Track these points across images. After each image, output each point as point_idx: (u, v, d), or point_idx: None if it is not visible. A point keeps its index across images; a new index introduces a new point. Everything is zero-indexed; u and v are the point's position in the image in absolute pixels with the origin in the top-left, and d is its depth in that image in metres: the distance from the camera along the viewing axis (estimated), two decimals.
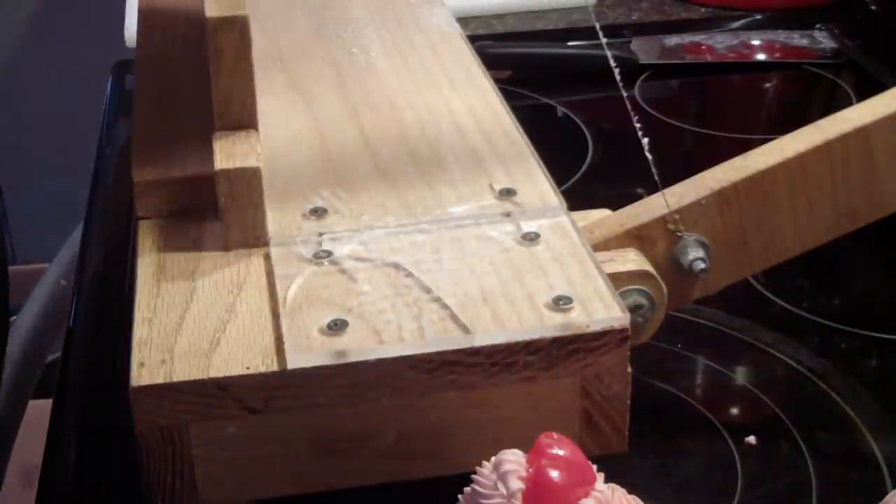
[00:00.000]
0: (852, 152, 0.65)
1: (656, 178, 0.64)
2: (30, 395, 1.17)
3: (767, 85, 1.14)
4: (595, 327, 0.56)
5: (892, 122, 0.66)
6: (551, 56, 1.13)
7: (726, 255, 0.65)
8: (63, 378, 0.72)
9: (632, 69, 1.10)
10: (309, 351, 0.54)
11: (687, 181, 0.66)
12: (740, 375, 0.74)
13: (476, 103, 0.76)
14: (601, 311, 0.57)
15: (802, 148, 0.65)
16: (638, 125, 0.63)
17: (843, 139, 0.65)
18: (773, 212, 0.65)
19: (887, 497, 0.55)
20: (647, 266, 0.62)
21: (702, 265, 0.64)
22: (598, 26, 0.70)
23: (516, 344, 0.55)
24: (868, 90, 0.76)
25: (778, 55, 1.14)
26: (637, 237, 0.64)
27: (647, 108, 1.06)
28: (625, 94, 0.66)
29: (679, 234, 0.64)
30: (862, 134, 0.65)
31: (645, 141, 0.63)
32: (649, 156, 0.63)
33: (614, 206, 0.67)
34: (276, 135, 0.72)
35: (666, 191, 0.65)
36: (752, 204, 0.65)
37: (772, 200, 0.65)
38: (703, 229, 0.65)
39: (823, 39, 1.15)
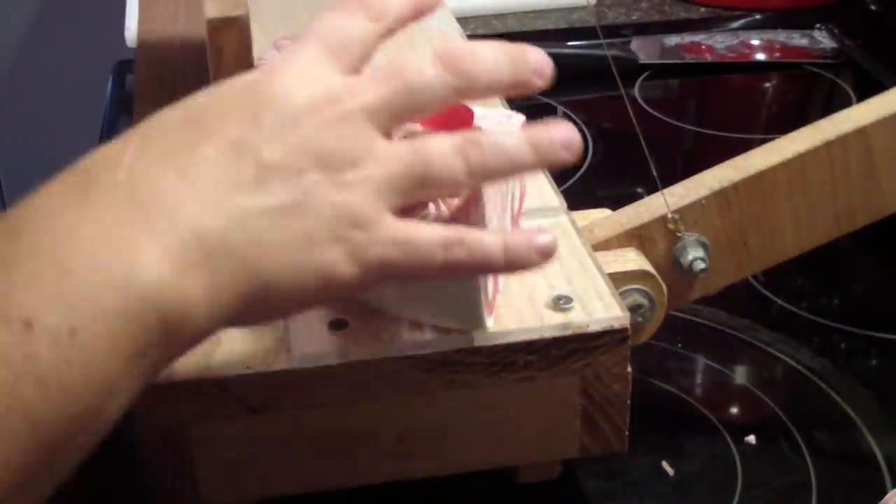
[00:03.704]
0: (852, 152, 0.65)
1: (656, 178, 0.64)
2: None
3: (767, 85, 1.14)
4: (595, 327, 0.56)
5: (892, 122, 0.66)
6: (551, 56, 1.12)
7: (726, 255, 0.65)
8: None
9: (632, 69, 1.10)
10: (309, 350, 0.54)
11: (687, 181, 0.66)
12: (740, 375, 0.74)
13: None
14: (601, 310, 0.57)
15: (802, 148, 0.65)
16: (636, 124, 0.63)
17: (843, 139, 0.65)
18: (773, 212, 0.65)
19: (887, 497, 0.55)
20: (647, 266, 0.62)
21: (702, 265, 0.64)
22: (598, 26, 0.70)
23: (516, 344, 0.55)
24: (868, 90, 0.76)
25: (778, 55, 1.14)
26: (637, 237, 0.64)
27: (647, 108, 1.06)
28: (625, 95, 0.66)
29: (679, 234, 0.64)
30: (862, 134, 0.65)
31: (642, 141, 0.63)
32: (648, 155, 0.63)
33: (614, 206, 0.67)
34: None
35: (666, 191, 0.65)
36: (752, 204, 0.65)
37: (772, 200, 0.65)
38: (703, 229, 0.65)
39: (823, 39, 1.15)
